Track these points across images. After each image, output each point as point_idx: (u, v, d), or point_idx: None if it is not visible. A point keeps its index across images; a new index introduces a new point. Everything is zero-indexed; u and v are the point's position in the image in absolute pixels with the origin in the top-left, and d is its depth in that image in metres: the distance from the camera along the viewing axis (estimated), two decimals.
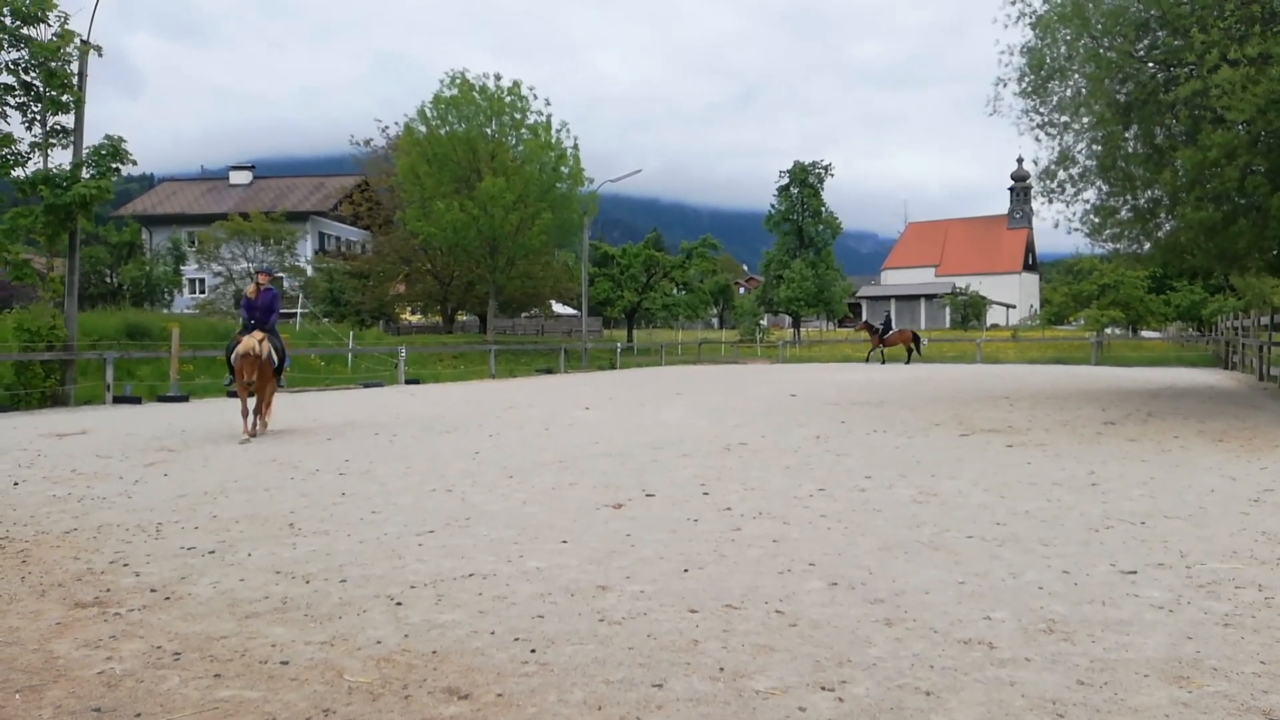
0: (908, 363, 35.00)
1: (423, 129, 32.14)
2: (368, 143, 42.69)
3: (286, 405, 16.95)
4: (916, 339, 36.45)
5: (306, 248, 47.35)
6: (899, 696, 3.25)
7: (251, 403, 11.55)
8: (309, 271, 43.77)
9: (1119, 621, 4.04)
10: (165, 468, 8.88)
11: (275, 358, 11.44)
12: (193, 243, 46.22)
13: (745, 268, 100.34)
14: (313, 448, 10.46)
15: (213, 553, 5.45)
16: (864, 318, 46.04)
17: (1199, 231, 13.90)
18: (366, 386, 23.03)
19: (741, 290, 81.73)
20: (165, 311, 37.26)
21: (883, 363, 35.00)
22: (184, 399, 17.95)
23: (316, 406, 16.72)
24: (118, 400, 17.21)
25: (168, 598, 4.53)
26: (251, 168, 57.61)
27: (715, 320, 78.47)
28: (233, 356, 11.11)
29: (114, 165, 17.04)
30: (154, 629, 4.05)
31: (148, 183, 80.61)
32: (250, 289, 11.70)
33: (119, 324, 23.67)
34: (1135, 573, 4.83)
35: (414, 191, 32.10)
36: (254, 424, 11.46)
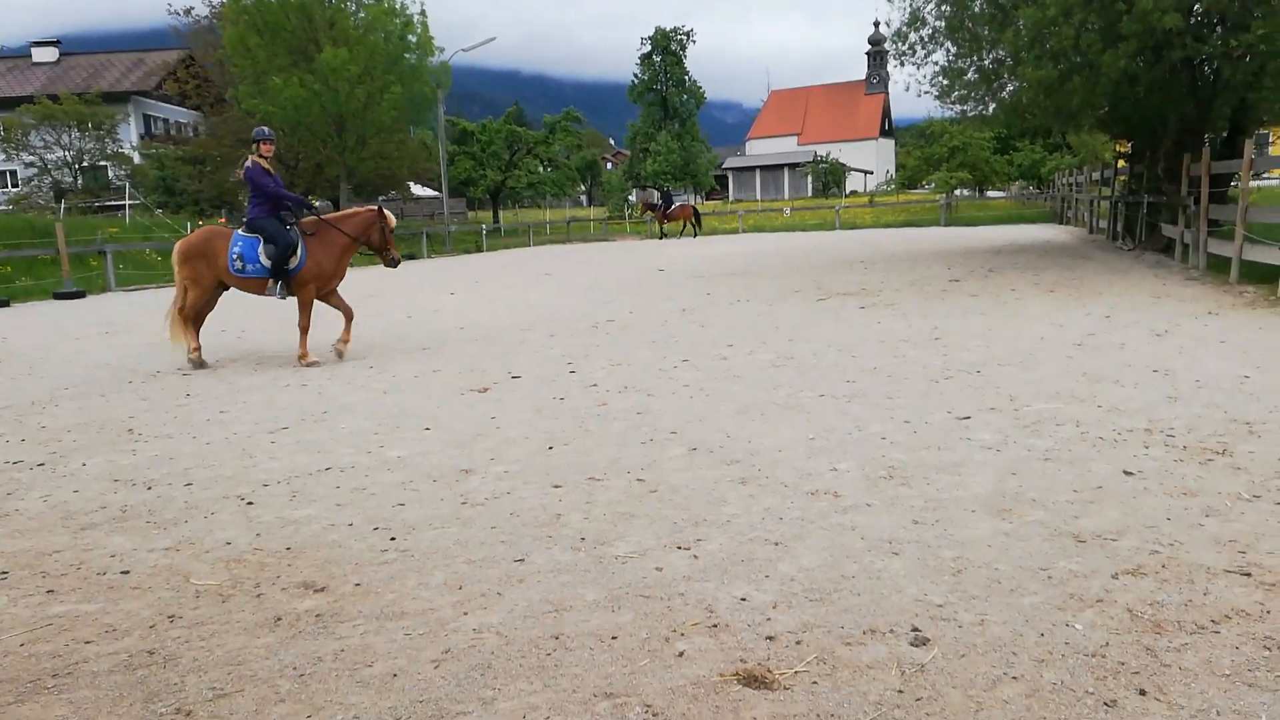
0: (693, 236, 36.17)
1: None
2: (188, 12, 38.63)
3: (121, 305, 15.80)
4: (696, 214, 37.84)
5: (130, 132, 43.11)
6: (750, 549, 3.40)
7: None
8: (136, 158, 40.10)
9: (952, 464, 4.33)
10: None
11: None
12: None
13: (612, 142, 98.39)
14: (151, 350, 9.80)
15: (42, 465, 5.09)
16: (640, 199, 47.06)
17: (1038, 90, 14.43)
18: None
19: (609, 166, 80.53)
20: None
21: (662, 238, 35.86)
22: (4, 304, 16.43)
23: (155, 305, 15.65)
24: None
25: None
26: (57, 43, 51.39)
27: (584, 198, 77.30)
28: (390, 229, 8.63)
29: None
30: None
31: None
32: (258, 161, 8.37)
33: None
34: (969, 418, 5.17)
35: (246, 66, 29.41)
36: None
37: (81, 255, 19.91)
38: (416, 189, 54.87)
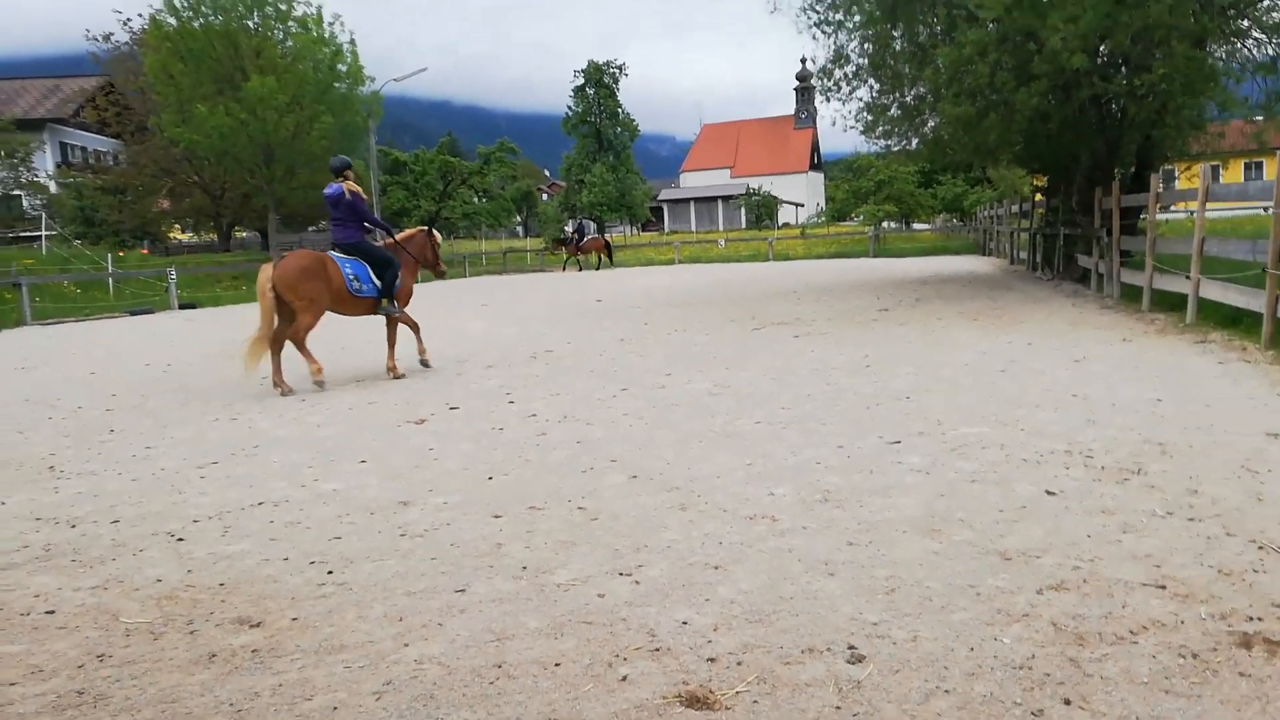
0: (597, 268, 37.01)
1: (172, 21, 28.65)
2: (108, 38, 37.63)
3: (38, 339, 15.23)
4: (608, 246, 38.84)
5: (46, 160, 41.68)
6: (690, 573, 3.46)
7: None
8: (52, 188, 38.78)
9: (884, 486, 4.46)
10: None
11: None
12: None
13: (547, 173, 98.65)
14: (73, 384, 9.48)
15: None
16: (573, 229, 48.56)
17: (957, 126, 15.02)
18: (134, 314, 21.03)
19: (545, 197, 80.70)
20: None
21: (580, 269, 36.78)
22: None
23: (76, 339, 15.11)
24: None
25: None
26: None
27: (520, 228, 77.24)
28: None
29: None
30: None
31: None
32: (354, 189, 8.80)
33: None
34: (899, 442, 5.33)
35: (169, 94, 28.75)
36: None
37: None
38: None
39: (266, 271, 8.32)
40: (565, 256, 37.79)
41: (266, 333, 8.18)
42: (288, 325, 8.45)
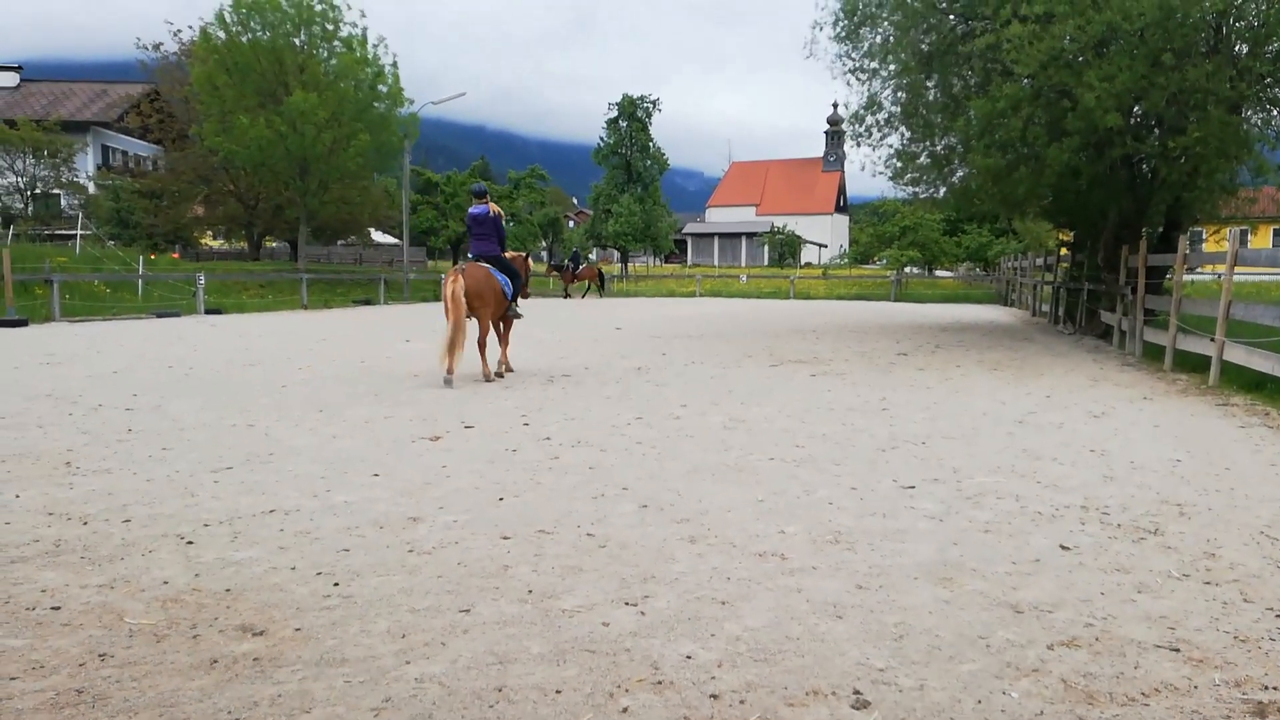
0: (598, 296, 38.54)
1: (221, 35, 29.26)
2: (158, 47, 38.38)
3: (65, 335, 15.43)
4: (601, 275, 40.37)
5: (87, 162, 42.46)
6: (697, 607, 3.42)
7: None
8: (91, 189, 39.46)
9: (896, 531, 4.41)
10: None
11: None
12: None
13: (575, 201, 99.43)
14: (95, 381, 9.58)
15: None
16: (552, 261, 49.95)
17: (986, 177, 15.05)
18: (161, 316, 21.28)
19: (571, 224, 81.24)
20: None
21: (567, 296, 37.92)
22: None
23: (101, 338, 15.30)
24: None
25: None
26: (18, 68, 50.78)
27: (544, 254, 77.81)
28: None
29: None
30: None
31: None
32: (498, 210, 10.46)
33: None
34: (914, 487, 5.28)
35: (213, 104, 29.31)
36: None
37: (27, 283, 19.45)
38: (377, 235, 54.74)
39: (459, 282, 9.60)
40: (564, 284, 38.64)
41: (459, 335, 9.56)
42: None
